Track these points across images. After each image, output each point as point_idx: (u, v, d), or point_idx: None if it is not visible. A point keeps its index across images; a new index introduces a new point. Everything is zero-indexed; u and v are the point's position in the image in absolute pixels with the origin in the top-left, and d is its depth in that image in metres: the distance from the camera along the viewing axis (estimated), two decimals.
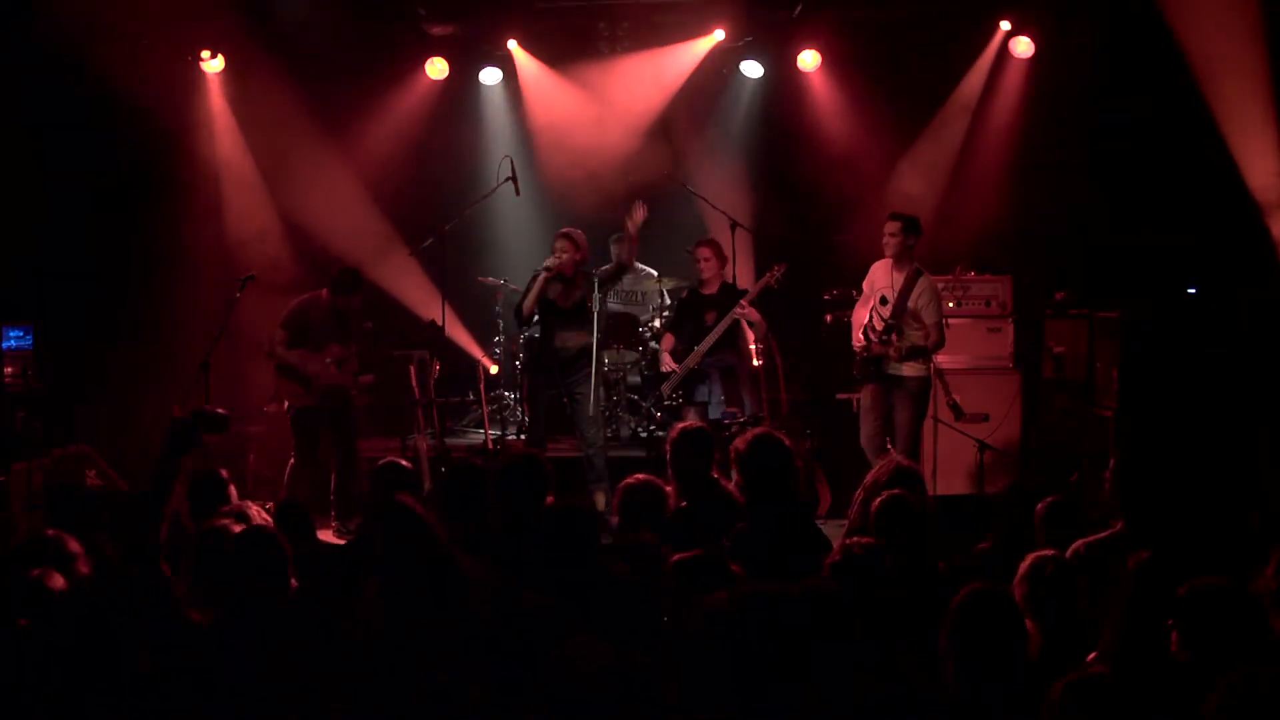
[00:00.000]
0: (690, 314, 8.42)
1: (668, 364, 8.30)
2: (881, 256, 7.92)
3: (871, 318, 7.81)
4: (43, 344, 8.61)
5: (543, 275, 8.04)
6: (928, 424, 8.09)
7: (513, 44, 10.40)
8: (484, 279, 9.94)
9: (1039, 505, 4.77)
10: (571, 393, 8.13)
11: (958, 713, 3.33)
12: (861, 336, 7.83)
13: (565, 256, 8.01)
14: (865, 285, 8.03)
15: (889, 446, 7.59)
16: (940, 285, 8.19)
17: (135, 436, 8.95)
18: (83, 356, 9.31)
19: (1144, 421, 7.69)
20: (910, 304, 7.71)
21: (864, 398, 7.95)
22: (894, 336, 7.66)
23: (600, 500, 7.74)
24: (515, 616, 3.40)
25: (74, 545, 3.96)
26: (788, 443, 5.03)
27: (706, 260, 8.30)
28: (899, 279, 7.76)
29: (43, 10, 8.81)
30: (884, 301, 7.79)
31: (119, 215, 9.61)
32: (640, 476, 4.88)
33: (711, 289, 8.37)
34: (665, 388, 8.29)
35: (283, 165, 10.14)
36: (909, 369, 7.74)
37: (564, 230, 8.19)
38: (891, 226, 7.80)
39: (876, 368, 7.76)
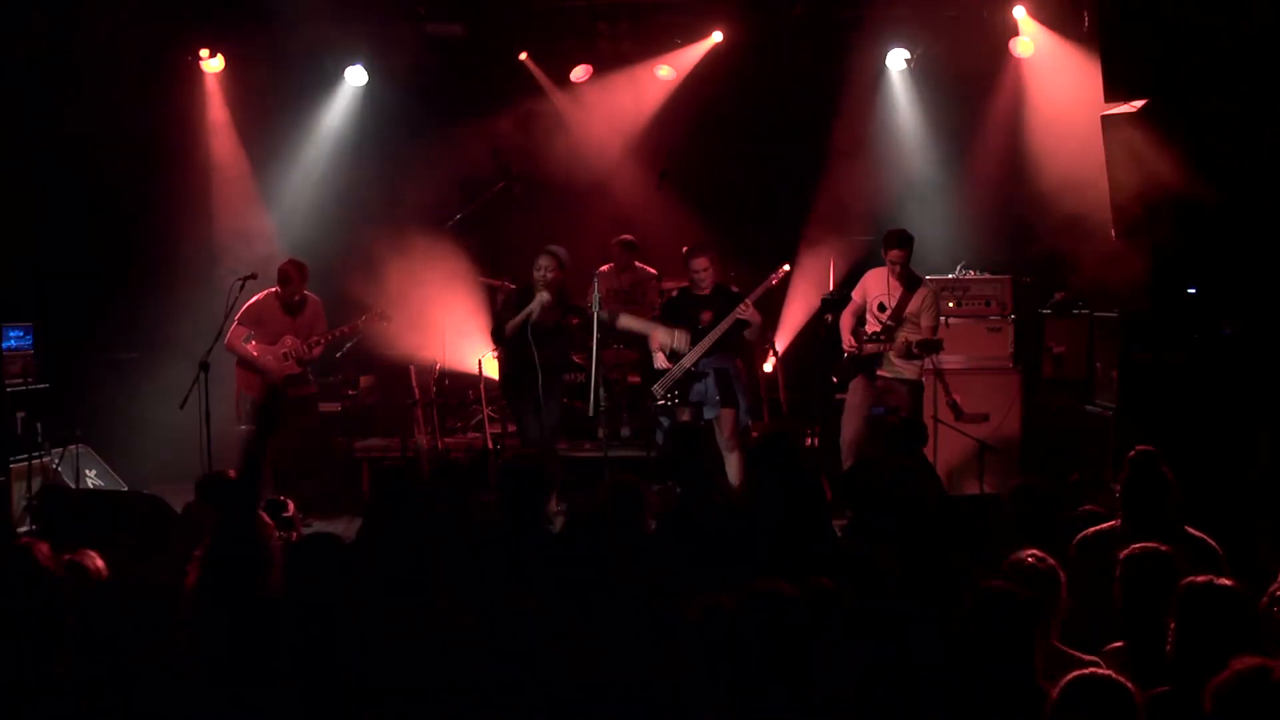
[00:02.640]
0: (682, 313, 8.27)
1: (661, 361, 8.18)
2: (874, 266, 8.06)
3: (866, 323, 7.91)
4: (43, 344, 8.61)
5: (539, 303, 8.02)
6: (928, 424, 8.09)
7: (524, 56, 10.44)
8: (485, 279, 9.94)
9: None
10: (542, 403, 8.15)
11: (958, 709, 3.32)
12: (851, 338, 7.93)
13: (551, 275, 8.01)
14: (856, 293, 8.16)
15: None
16: (940, 285, 8.20)
17: (135, 436, 8.97)
18: (83, 356, 9.31)
19: (1144, 421, 7.68)
20: (910, 309, 7.83)
21: (851, 395, 7.99)
22: (891, 335, 7.76)
23: (552, 503, 7.87)
24: (513, 617, 3.40)
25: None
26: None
27: (705, 270, 8.11)
28: (897, 286, 7.89)
29: (43, 10, 8.83)
30: (882, 309, 7.91)
31: (119, 215, 9.62)
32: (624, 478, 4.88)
33: (705, 290, 8.27)
34: (658, 388, 8.18)
35: (282, 165, 10.14)
36: (903, 370, 7.81)
37: (550, 248, 8.14)
38: (897, 255, 7.88)
39: (866, 366, 7.83)
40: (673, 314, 8.33)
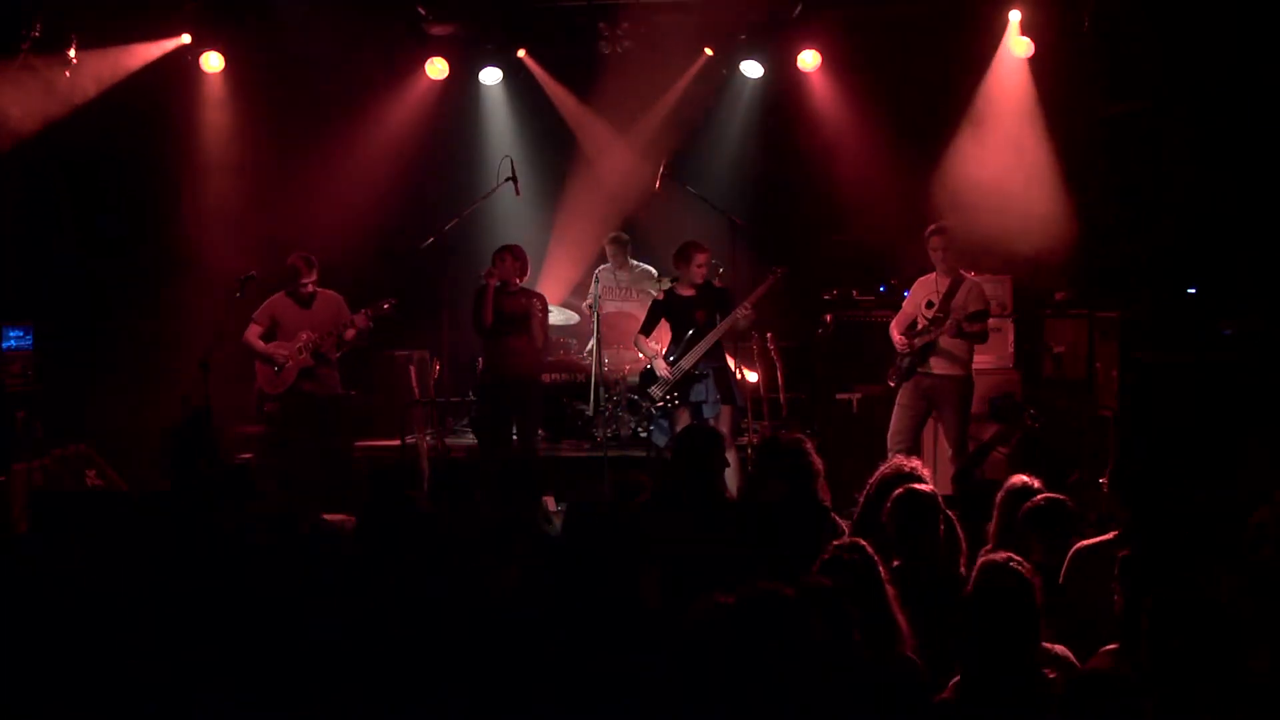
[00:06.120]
0: (673, 315, 8.25)
1: (664, 369, 8.09)
2: (927, 271, 8.06)
3: (916, 322, 7.94)
4: (43, 344, 8.61)
5: (489, 285, 8.22)
6: (928, 424, 8.09)
7: (521, 53, 10.44)
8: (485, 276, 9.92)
9: (1025, 504, 4.76)
10: (519, 405, 8.23)
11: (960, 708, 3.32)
12: (902, 338, 7.95)
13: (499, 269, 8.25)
14: (908, 303, 8.17)
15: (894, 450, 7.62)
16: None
17: (135, 436, 8.96)
18: (83, 356, 9.31)
19: (1144, 421, 7.68)
20: (956, 301, 7.83)
21: (901, 395, 7.98)
22: (939, 325, 7.77)
23: (550, 503, 7.85)
24: (510, 617, 3.40)
25: None
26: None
27: (707, 265, 8.13)
28: (944, 283, 7.92)
29: (44, 10, 8.83)
30: (930, 305, 7.94)
31: (119, 215, 9.62)
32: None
33: (690, 290, 8.20)
34: (656, 390, 8.12)
35: (283, 166, 10.15)
36: (951, 368, 7.82)
37: (503, 247, 8.42)
38: (938, 241, 7.91)
39: (916, 368, 7.86)
40: (664, 315, 8.32)
